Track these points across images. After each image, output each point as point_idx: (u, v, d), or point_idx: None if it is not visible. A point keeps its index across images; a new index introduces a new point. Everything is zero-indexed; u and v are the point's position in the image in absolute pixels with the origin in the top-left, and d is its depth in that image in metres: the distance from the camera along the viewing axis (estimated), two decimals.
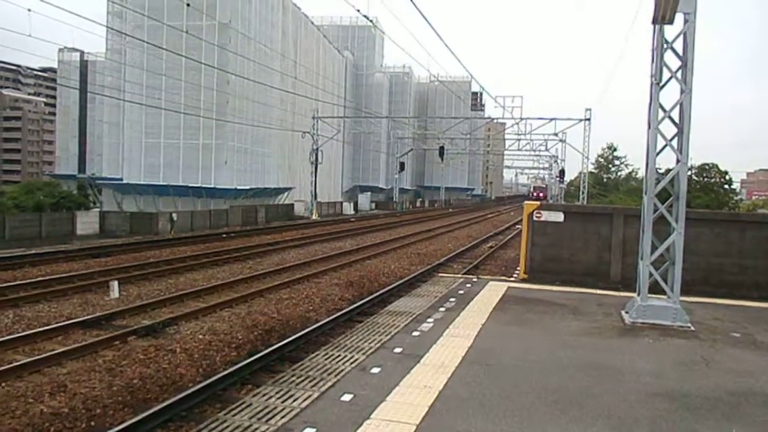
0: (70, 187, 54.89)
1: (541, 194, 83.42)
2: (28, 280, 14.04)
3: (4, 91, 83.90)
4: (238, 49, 39.28)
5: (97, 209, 40.51)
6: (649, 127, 8.74)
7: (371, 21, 33.38)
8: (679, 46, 8.61)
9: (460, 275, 14.80)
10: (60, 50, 65.77)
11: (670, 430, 4.89)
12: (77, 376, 7.74)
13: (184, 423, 6.57)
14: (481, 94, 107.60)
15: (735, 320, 9.16)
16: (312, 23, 61.85)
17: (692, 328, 8.45)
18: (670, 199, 8.95)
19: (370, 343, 7.19)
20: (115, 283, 13.39)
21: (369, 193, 70.51)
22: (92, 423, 6.48)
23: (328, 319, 10.89)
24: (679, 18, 8.37)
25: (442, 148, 53.86)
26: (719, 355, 7.21)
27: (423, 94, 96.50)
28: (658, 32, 8.57)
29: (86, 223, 26.57)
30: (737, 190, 75.60)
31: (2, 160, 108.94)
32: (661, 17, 8.25)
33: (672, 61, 8.66)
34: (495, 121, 72.04)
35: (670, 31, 8.59)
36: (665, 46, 8.62)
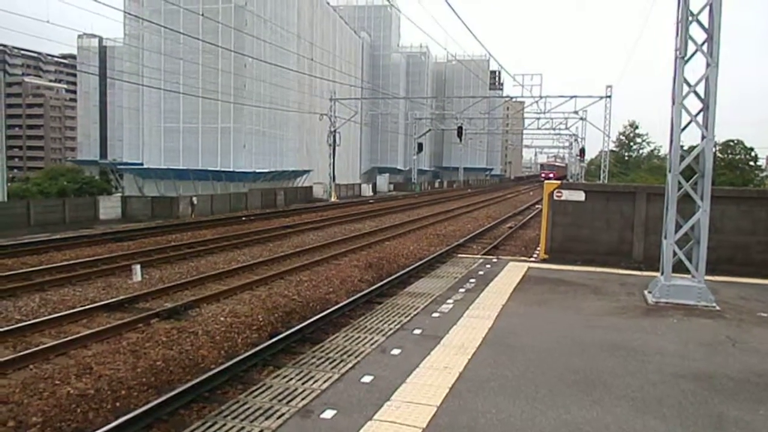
0: (92, 173, 55.74)
1: (552, 174, 73.77)
2: (53, 265, 14.27)
3: (26, 79, 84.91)
4: (255, 32, 39.15)
5: (119, 194, 41.09)
6: (674, 103, 8.53)
7: (388, 0, 32.98)
8: (704, 18, 8.35)
9: (479, 256, 14.72)
10: (79, 36, 66.33)
11: (696, 412, 4.81)
12: (102, 358, 7.87)
13: (206, 404, 6.64)
14: (499, 72, 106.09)
15: (762, 299, 8.99)
16: (328, 3, 61.37)
17: (717, 308, 8.30)
18: (695, 176, 8.76)
19: (389, 325, 7.18)
20: (138, 266, 13.55)
21: (387, 174, 70.35)
22: (117, 404, 6.59)
23: (347, 301, 10.92)
24: None
25: (460, 128, 53.41)
26: (746, 335, 7.08)
27: (441, 74, 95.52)
28: (683, 4, 8.30)
29: (108, 207, 26.89)
30: (763, 167, 74.00)
31: (26, 147, 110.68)
32: None
33: (697, 33, 8.41)
34: (514, 99, 71.12)
35: (696, 3, 8.33)
36: (690, 18, 8.36)
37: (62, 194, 37.64)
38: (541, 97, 44.46)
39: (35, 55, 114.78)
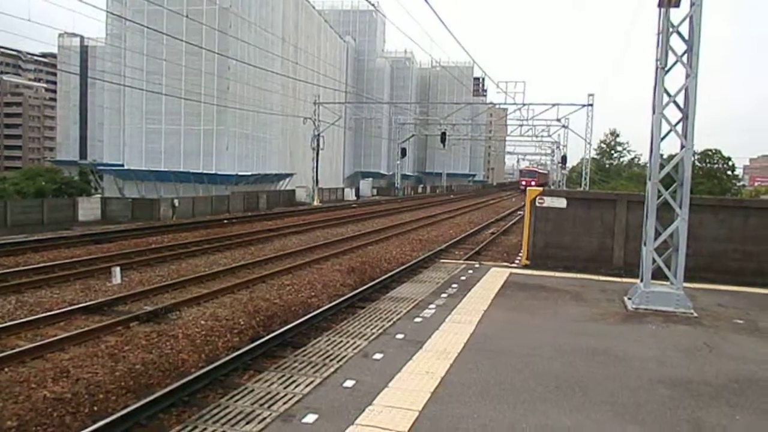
0: (71, 173, 54.79)
1: (533, 182, 69.59)
2: (31, 266, 14.03)
3: (5, 77, 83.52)
4: (239, 34, 39.00)
5: (99, 195, 40.53)
6: (654, 112, 8.67)
7: (373, 5, 33.07)
8: (685, 29, 8.51)
9: (462, 261, 14.78)
10: (60, 35, 65.52)
11: (673, 417, 4.88)
12: (80, 362, 7.75)
13: (186, 408, 6.57)
14: (483, 79, 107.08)
15: (738, 307, 9.14)
16: (313, 8, 61.34)
17: (695, 315, 8.43)
18: (674, 185, 8.90)
19: (372, 329, 7.18)
20: (117, 269, 13.39)
21: (370, 179, 70.37)
22: (95, 408, 6.49)
23: (330, 305, 10.88)
24: (685, 1, 8.26)
25: (443, 134, 53.66)
26: (722, 342, 7.19)
27: (425, 80, 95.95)
28: (664, 15, 8.46)
29: (88, 209, 26.53)
30: (740, 176, 75.38)
31: (3, 146, 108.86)
32: (667, 0, 8.14)
33: (678, 45, 8.56)
34: (497, 106, 71.68)
35: (676, 15, 8.49)
36: (671, 29, 8.51)
37: (40, 195, 36.91)
38: (524, 105, 44.92)
39: (14, 53, 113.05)
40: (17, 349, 8.08)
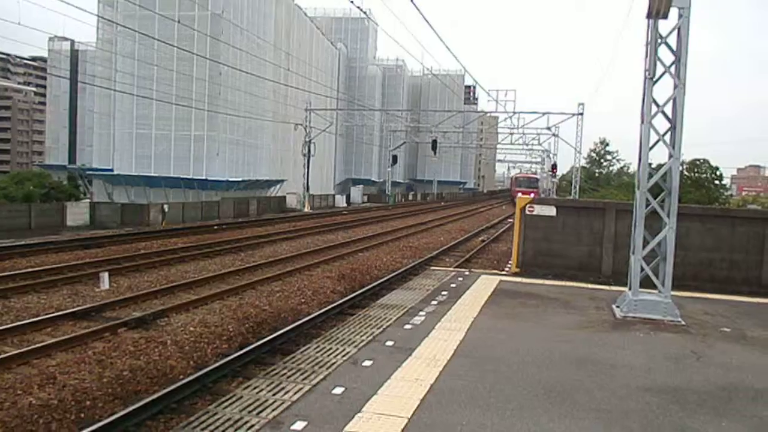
0: (60, 178, 54.50)
1: (533, 193, 66.83)
2: (17, 271, 13.90)
3: None
4: (231, 40, 39.00)
5: (88, 200, 40.25)
6: (642, 122, 8.75)
7: (365, 13, 33.16)
8: (673, 41, 8.61)
9: (452, 268, 14.81)
10: (50, 39, 65.23)
11: (660, 425, 4.91)
12: (67, 368, 7.68)
13: (174, 415, 6.54)
14: (474, 87, 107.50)
15: (725, 315, 9.22)
16: (305, 15, 61.47)
17: (683, 323, 8.49)
18: (662, 194, 8.98)
19: (361, 336, 7.17)
20: (106, 274, 13.30)
21: (361, 186, 70.37)
22: (82, 415, 6.44)
23: (319, 312, 10.87)
24: (673, 12, 8.37)
25: (434, 142, 53.83)
26: (710, 350, 7.25)
27: (416, 87, 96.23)
28: (652, 27, 8.56)
29: (76, 214, 26.34)
30: (727, 186, 76.17)
31: None
32: (656, 12, 8.24)
33: (666, 55, 8.67)
34: (488, 114, 71.96)
35: (665, 26, 8.60)
36: (659, 40, 8.61)
37: (28, 199, 36.66)
38: (514, 113, 45.16)
39: (3, 56, 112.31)
40: (3, 355, 8.00)
